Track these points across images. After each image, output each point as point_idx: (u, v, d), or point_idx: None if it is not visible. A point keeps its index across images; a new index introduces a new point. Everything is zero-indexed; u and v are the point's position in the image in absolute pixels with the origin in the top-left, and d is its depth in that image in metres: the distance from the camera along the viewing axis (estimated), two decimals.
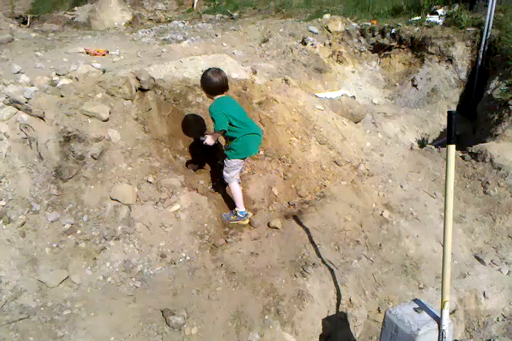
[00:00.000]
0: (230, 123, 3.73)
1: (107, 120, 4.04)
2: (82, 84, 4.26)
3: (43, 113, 3.79)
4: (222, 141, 4.26)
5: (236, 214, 4.03)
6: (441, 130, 6.60)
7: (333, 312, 3.40)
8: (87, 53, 6.59)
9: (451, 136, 2.33)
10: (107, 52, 6.77)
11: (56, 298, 3.08)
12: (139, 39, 8.19)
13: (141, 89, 4.52)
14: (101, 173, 3.76)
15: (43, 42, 7.66)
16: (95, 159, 3.80)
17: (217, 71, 3.74)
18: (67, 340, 2.81)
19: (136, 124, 4.26)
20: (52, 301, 3.05)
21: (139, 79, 4.50)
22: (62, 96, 4.05)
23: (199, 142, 3.98)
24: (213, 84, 3.71)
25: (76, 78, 4.55)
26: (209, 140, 3.81)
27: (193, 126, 4.59)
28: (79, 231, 3.48)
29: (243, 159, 3.95)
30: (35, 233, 3.35)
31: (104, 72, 5.14)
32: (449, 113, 2.35)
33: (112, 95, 4.28)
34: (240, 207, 4.02)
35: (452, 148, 2.32)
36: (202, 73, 3.84)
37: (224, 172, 3.97)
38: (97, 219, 3.56)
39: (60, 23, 10.39)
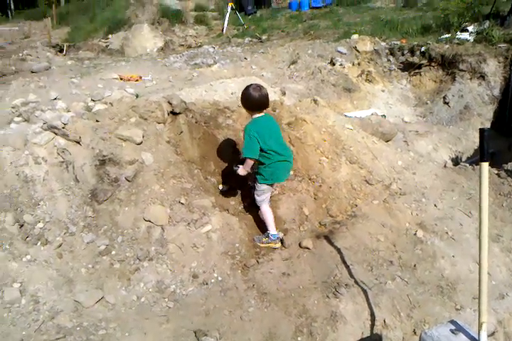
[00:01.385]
0: (261, 149, 3.70)
1: (140, 143, 4.15)
2: (116, 109, 4.41)
3: (79, 137, 3.94)
4: None
5: (268, 237, 4.03)
6: (475, 147, 6.48)
7: (367, 334, 3.32)
8: (121, 79, 6.83)
9: (483, 153, 2.30)
10: (140, 77, 7.00)
11: (91, 318, 3.14)
12: (171, 64, 8.44)
13: (173, 113, 4.64)
14: (134, 195, 3.85)
15: (79, 69, 7.99)
16: (129, 181, 3.90)
17: (259, 87, 3.69)
18: None
19: (169, 147, 4.36)
20: (87, 321, 3.11)
21: (170, 103, 4.63)
22: (97, 121, 4.20)
23: (232, 170, 4.01)
24: (253, 99, 3.68)
25: (110, 103, 4.72)
26: (241, 171, 3.84)
27: (223, 147, 4.66)
28: (114, 252, 3.55)
29: (271, 184, 3.96)
30: (71, 254, 3.45)
31: (137, 96, 5.33)
32: (481, 130, 2.33)
33: (145, 119, 4.40)
34: (272, 230, 4.01)
35: (485, 165, 2.29)
36: (243, 90, 3.78)
37: (256, 196, 3.99)
38: (131, 240, 3.63)
39: (94, 51, 10.82)
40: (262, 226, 4.19)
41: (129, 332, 3.06)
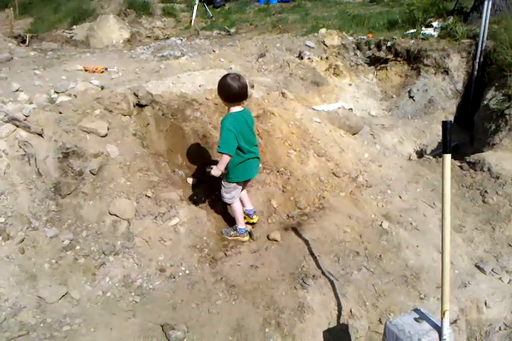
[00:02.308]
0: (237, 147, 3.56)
1: (105, 136, 4.08)
2: (81, 101, 4.31)
3: (42, 130, 3.83)
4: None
5: (236, 230, 4.02)
6: (439, 140, 6.61)
7: (334, 324, 3.37)
8: (86, 71, 6.66)
9: (446, 145, 2.35)
10: (106, 69, 6.84)
11: (55, 314, 3.07)
12: (137, 56, 8.28)
13: (139, 105, 4.57)
14: (99, 188, 3.78)
15: (42, 60, 7.75)
16: (94, 174, 3.82)
17: (238, 76, 3.48)
18: None
19: (135, 139, 4.30)
20: (51, 317, 3.04)
21: (136, 95, 4.56)
22: (60, 113, 4.09)
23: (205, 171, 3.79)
24: (232, 90, 3.43)
25: (74, 95, 4.60)
26: (214, 171, 3.60)
27: (191, 140, 4.62)
28: (78, 247, 3.48)
29: (242, 182, 3.88)
30: (34, 249, 3.35)
31: (102, 88, 5.21)
32: (444, 123, 2.37)
33: (110, 111, 4.32)
34: (240, 225, 4.00)
35: (448, 157, 2.33)
36: (220, 79, 3.53)
37: (223, 193, 3.86)
38: (96, 235, 3.56)
39: (58, 42, 10.50)
40: (230, 218, 4.19)
41: (95, 327, 3.01)
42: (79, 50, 9.57)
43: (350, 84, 7.90)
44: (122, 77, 6.43)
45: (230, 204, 3.99)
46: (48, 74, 6.29)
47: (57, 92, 5.00)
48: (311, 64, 7.78)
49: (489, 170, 4.71)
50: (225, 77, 3.51)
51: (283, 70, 7.38)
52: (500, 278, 3.86)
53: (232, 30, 10.84)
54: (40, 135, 3.83)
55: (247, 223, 4.14)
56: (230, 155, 3.52)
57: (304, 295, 3.43)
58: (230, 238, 4.02)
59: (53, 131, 3.87)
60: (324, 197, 4.48)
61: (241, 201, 4.03)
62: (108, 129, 4.13)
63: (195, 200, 4.29)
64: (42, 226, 3.47)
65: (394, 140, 6.39)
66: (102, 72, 6.73)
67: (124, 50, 9.28)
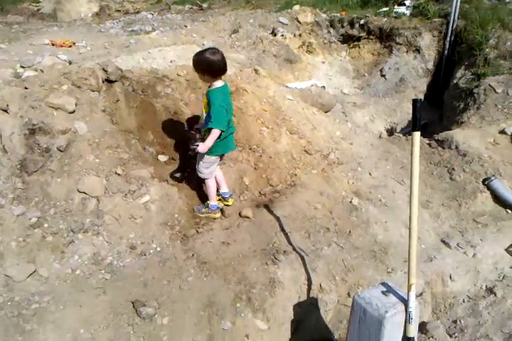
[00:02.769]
0: None
1: (73, 112, 3.97)
2: (47, 76, 4.17)
3: (7, 105, 3.70)
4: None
5: (208, 207, 4.01)
6: (409, 118, 6.71)
7: (304, 298, 3.44)
8: (53, 45, 6.45)
9: (416, 123, 2.38)
10: (74, 43, 6.63)
11: (23, 292, 3.03)
12: (107, 30, 8.05)
13: (108, 81, 4.45)
14: (67, 166, 3.70)
15: (7, 34, 7.47)
16: (61, 151, 3.74)
17: (216, 50, 3.44)
18: (35, 334, 2.78)
19: (104, 116, 4.20)
20: (19, 295, 3.00)
21: (105, 71, 4.43)
22: (26, 88, 3.96)
23: (187, 149, 3.76)
24: (215, 63, 3.38)
25: (41, 70, 4.45)
26: (202, 147, 3.48)
27: (162, 117, 4.55)
28: (46, 225, 3.41)
29: (220, 155, 3.86)
30: (0, 227, 3.28)
31: (70, 63, 5.05)
32: (414, 101, 2.40)
33: (78, 87, 4.20)
34: (212, 201, 3.99)
35: (417, 135, 2.36)
36: (198, 56, 3.43)
37: (202, 169, 3.79)
38: (64, 212, 3.50)
39: (24, 15, 10.12)
40: (201, 195, 4.18)
41: (64, 305, 2.98)
42: (46, 24, 9.25)
43: (323, 62, 7.87)
44: (91, 51, 6.24)
45: (205, 181, 3.95)
46: (14, 49, 6.06)
47: (23, 67, 4.83)
48: (285, 41, 7.72)
49: (457, 147, 4.81)
50: (202, 52, 3.44)
51: (256, 47, 7.30)
52: (464, 253, 3.99)
53: (205, 5, 10.62)
54: (5, 111, 3.70)
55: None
56: (222, 131, 3.52)
57: (274, 271, 3.48)
58: (202, 215, 4.01)
59: (19, 106, 3.74)
60: (296, 175, 4.51)
61: (217, 183, 4.03)
62: (76, 105, 4.02)
63: (166, 178, 4.25)
64: (8, 204, 3.38)
65: (365, 118, 6.44)
66: (70, 46, 6.52)
67: (93, 24, 9.01)
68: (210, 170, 3.84)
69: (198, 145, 3.50)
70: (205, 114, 3.64)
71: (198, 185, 4.23)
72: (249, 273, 3.44)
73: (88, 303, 3.04)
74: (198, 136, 3.91)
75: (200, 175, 3.87)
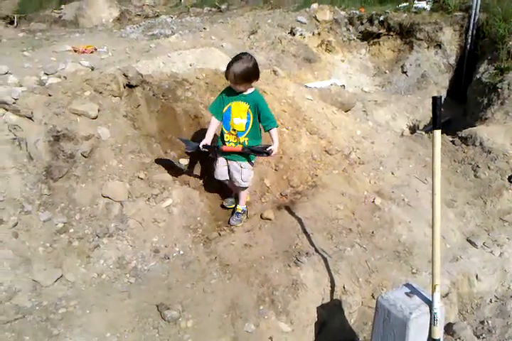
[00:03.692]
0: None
1: (95, 118, 4.05)
2: (70, 83, 4.26)
3: (31, 113, 3.80)
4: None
5: (245, 212, 4.07)
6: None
7: (327, 300, 3.42)
8: (75, 51, 6.56)
9: (436, 121, 2.35)
10: (95, 49, 6.74)
11: (51, 297, 3.10)
12: (127, 35, 8.16)
13: (129, 86, 4.52)
14: (91, 171, 3.77)
15: (31, 41, 7.63)
16: (85, 157, 3.81)
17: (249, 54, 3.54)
18: (63, 338, 2.83)
19: (126, 121, 4.27)
20: (47, 300, 3.07)
21: (126, 76, 4.51)
22: (50, 95, 4.05)
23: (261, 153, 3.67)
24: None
25: (64, 77, 4.54)
26: (276, 148, 3.62)
27: (183, 120, 4.59)
28: (72, 230, 3.49)
29: None
30: (28, 233, 3.36)
31: (92, 69, 5.13)
32: (434, 98, 2.36)
33: (100, 93, 4.28)
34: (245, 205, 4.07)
35: (438, 133, 2.33)
36: (248, 62, 3.45)
37: (247, 177, 3.78)
38: (89, 217, 3.57)
39: (47, 22, 10.31)
40: (223, 197, 4.21)
41: (90, 309, 3.04)
42: (68, 30, 9.42)
43: (342, 60, 7.83)
44: (112, 57, 6.34)
45: (245, 189, 3.95)
46: (37, 56, 6.20)
47: (47, 74, 4.93)
48: (303, 40, 7.70)
49: (481, 144, 4.73)
50: (250, 59, 3.48)
51: (275, 47, 7.30)
52: (491, 252, 3.92)
53: (223, 6, 10.65)
54: (30, 118, 3.80)
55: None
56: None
57: (297, 273, 3.47)
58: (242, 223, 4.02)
59: (43, 113, 3.83)
60: (317, 175, 4.50)
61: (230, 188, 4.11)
62: (98, 111, 4.09)
63: (188, 181, 4.29)
64: (35, 210, 3.46)
65: (387, 116, 6.38)
66: (92, 52, 6.63)
67: (114, 30, 9.14)
68: (251, 178, 3.90)
69: (272, 149, 3.58)
70: (244, 120, 3.62)
71: (218, 188, 4.25)
72: (271, 275, 3.44)
73: (114, 307, 3.09)
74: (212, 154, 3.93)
75: (244, 184, 3.84)
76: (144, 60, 5.13)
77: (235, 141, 3.71)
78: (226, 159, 3.78)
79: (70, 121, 3.89)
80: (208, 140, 3.72)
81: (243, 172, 3.77)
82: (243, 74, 3.42)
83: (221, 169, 3.83)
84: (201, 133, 4.48)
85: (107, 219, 3.60)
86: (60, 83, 4.30)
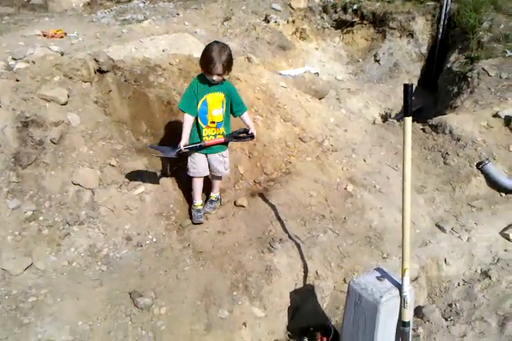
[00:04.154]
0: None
1: (65, 103, 3.96)
2: (39, 68, 4.15)
3: None
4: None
5: (220, 199, 4.07)
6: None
7: (300, 285, 3.47)
8: (44, 36, 6.37)
9: (407, 108, 2.37)
10: (65, 34, 6.56)
11: (21, 286, 3.04)
12: (98, 20, 7.96)
13: (100, 71, 4.43)
14: (61, 158, 3.69)
15: None
16: (55, 144, 3.73)
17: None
18: (33, 327, 2.79)
19: (96, 107, 4.19)
20: (16, 289, 3.01)
21: (97, 61, 4.41)
22: (17, 80, 3.93)
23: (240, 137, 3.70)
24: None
25: (33, 62, 4.42)
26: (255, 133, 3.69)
27: (156, 107, 4.53)
28: (41, 218, 3.42)
29: None
30: None
31: (62, 54, 5.00)
32: (405, 85, 2.39)
33: (70, 78, 4.19)
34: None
35: (409, 120, 2.36)
36: (227, 50, 3.36)
37: (226, 168, 3.80)
38: (59, 205, 3.51)
39: (15, 6, 9.95)
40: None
41: (61, 297, 3.00)
42: (37, 15, 9.12)
43: (316, 48, 7.82)
44: (83, 42, 6.18)
45: (223, 177, 3.95)
46: (5, 40, 5.99)
47: (15, 59, 4.78)
48: (278, 28, 7.65)
49: (450, 132, 4.81)
50: (227, 45, 3.41)
51: (249, 34, 7.24)
52: (459, 237, 4.02)
53: None
54: None
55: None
56: None
57: (271, 259, 3.50)
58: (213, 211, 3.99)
59: (11, 99, 3.73)
60: (291, 162, 4.51)
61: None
62: (68, 97, 4.01)
63: (160, 169, 4.24)
64: (3, 198, 3.38)
65: (359, 104, 6.43)
66: (62, 37, 6.45)
67: (85, 14, 8.90)
68: None
69: (252, 132, 3.61)
70: (221, 110, 3.55)
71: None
72: (245, 262, 3.46)
73: (85, 295, 3.05)
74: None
75: (226, 172, 3.85)
76: (116, 45, 5.02)
77: (215, 133, 3.62)
78: (205, 154, 3.68)
79: (38, 106, 3.79)
80: (186, 140, 3.52)
81: (225, 161, 3.76)
82: (229, 64, 3.37)
83: (203, 165, 3.71)
84: (174, 120, 4.45)
85: (77, 206, 3.55)
86: (29, 68, 4.18)
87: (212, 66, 3.27)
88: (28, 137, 3.67)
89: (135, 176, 3.87)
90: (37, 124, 3.72)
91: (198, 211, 3.81)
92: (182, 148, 3.47)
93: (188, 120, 3.50)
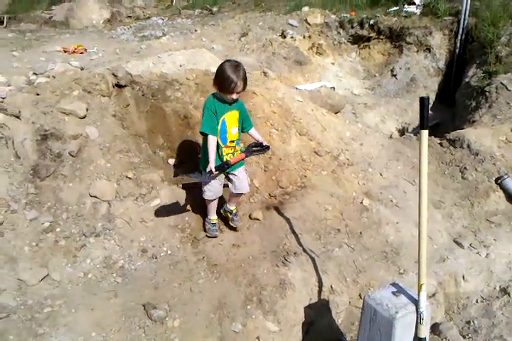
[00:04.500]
0: None
1: (84, 117, 4.03)
2: (58, 82, 4.25)
3: (19, 111, 3.77)
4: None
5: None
6: None
7: (315, 299, 3.42)
8: (65, 52, 6.56)
9: (423, 121, 2.36)
10: (85, 50, 6.74)
11: (36, 296, 3.06)
12: (118, 36, 8.16)
13: (119, 86, 4.51)
14: (79, 170, 3.75)
15: (20, 42, 7.61)
16: (73, 156, 3.79)
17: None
18: (48, 337, 2.80)
19: (114, 121, 4.26)
20: (32, 299, 3.03)
21: (115, 76, 4.50)
22: (38, 94, 4.04)
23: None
24: None
25: (53, 76, 4.53)
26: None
27: (172, 121, 4.58)
28: (58, 229, 3.46)
29: None
30: (13, 232, 3.32)
31: (82, 69, 5.13)
32: (421, 99, 2.38)
33: (89, 92, 4.27)
34: None
35: (425, 133, 2.34)
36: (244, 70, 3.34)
37: (248, 182, 3.75)
38: (76, 217, 3.55)
39: (37, 23, 10.27)
40: None
41: (76, 308, 3.01)
42: (58, 31, 9.40)
43: (333, 63, 7.87)
44: (102, 58, 6.34)
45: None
46: (27, 56, 6.18)
47: (36, 74, 4.92)
48: (294, 43, 7.74)
49: (468, 146, 4.76)
50: (240, 63, 3.38)
51: (266, 49, 7.33)
52: (477, 253, 3.95)
53: (215, 8, 10.68)
54: (18, 117, 3.77)
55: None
56: None
57: (285, 273, 3.47)
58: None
59: (31, 112, 3.81)
60: (306, 176, 4.50)
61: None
62: (87, 110, 4.09)
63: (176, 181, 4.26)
64: (21, 209, 3.43)
65: (376, 119, 6.41)
66: (82, 53, 6.63)
67: (105, 31, 9.15)
68: None
69: (267, 146, 3.60)
70: (237, 128, 3.52)
71: None
72: (259, 275, 3.44)
73: (100, 306, 3.06)
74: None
75: (248, 189, 3.74)
76: (134, 60, 5.13)
77: (233, 151, 3.55)
78: (227, 173, 3.61)
79: (57, 120, 3.87)
80: (214, 161, 3.35)
81: (247, 176, 3.73)
82: (246, 80, 3.34)
83: (219, 188, 3.64)
84: (189, 134, 4.49)
85: (94, 218, 3.58)
86: (49, 82, 4.29)
87: (234, 85, 3.21)
88: (46, 150, 3.73)
89: (151, 188, 3.89)
90: (56, 137, 3.80)
91: (214, 225, 3.80)
92: (213, 170, 3.33)
93: (213, 141, 3.35)
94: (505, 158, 4.64)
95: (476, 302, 3.68)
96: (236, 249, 3.69)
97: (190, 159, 4.45)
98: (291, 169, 4.53)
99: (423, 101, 2.37)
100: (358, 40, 8.10)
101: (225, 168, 3.42)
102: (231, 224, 3.87)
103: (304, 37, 8.00)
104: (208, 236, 3.80)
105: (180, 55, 5.33)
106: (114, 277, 3.32)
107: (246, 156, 3.56)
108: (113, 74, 4.50)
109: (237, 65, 3.29)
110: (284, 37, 7.80)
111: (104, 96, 4.35)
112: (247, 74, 3.36)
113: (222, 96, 3.34)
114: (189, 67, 5.03)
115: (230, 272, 3.46)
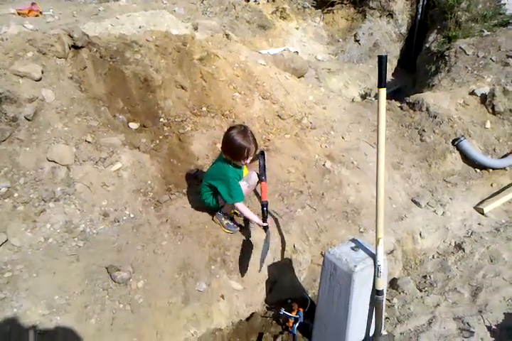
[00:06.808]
0: None
1: (39, 79, 3.87)
2: (11, 43, 4.04)
3: None
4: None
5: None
6: None
7: (278, 258, 3.50)
8: (19, 14, 6.22)
9: (382, 79, 2.36)
10: (41, 12, 6.40)
11: None
12: None
13: (75, 47, 4.33)
14: (36, 135, 3.63)
15: None
16: (29, 120, 3.66)
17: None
18: (9, 301, 2.77)
19: (71, 83, 4.10)
20: None
21: (71, 37, 4.31)
22: None
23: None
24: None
25: (6, 39, 4.31)
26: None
27: (132, 83, 4.46)
28: (16, 195, 3.37)
29: None
30: None
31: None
32: (379, 57, 2.36)
33: (44, 54, 4.09)
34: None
35: (383, 91, 2.36)
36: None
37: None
38: (34, 182, 3.45)
39: None
40: (173, 162, 4.15)
41: (37, 272, 2.98)
42: None
43: (297, 28, 7.77)
44: (59, 20, 6.03)
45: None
46: None
47: None
48: (258, 7, 7.57)
49: (427, 109, 4.85)
50: (245, 126, 3.38)
51: (229, 13, 7.15)
52: (434, 211, 4.10)
53: None
54: None
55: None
56: None
57: (249, 233, 3.52)
58: (219, 223, 3.74)
59: None
60: (269, 140, 4.51)
61: None
62: (42, 73, 3.92)
63: (138, 145, 4.19)
64: None
65: (339, 84, 6.43)
66: (37, 15, 6.29)
67: None
68: None
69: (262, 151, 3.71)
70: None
71: (170, 151, 4.19)
72: (223, 236, 3.48)
73: (62, 270, 3.03)
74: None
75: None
76: (92, 22, 4.93)
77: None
78: None
79: (11, 82, 3.70)
80: (257, 217, 3.40)
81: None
82: (256, 141, 3.32)
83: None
84: (151, 97, 4.39)
85: (53, 183, 3.50)
86: (1, 44, 4.07)
87: (248, 152, 3.19)
88: (1, 113, 3.58)
89: (111, 152, 3.82)
90: (10, 100, 3.64)
91: (232, 219, 3.71)
92: (265, 222, 3.37)
93: (244, 205, 3.42)
94: (462, 120, 4.76)
95: (433, 257, 3.84)
96: (200, 212, 3.70)
97: (152, 123, 4.38)
98: (255, 133, 4.45)
99: (381, 60, 2.36)
100: (322, 4, 8.00)
101: (265, 209, 3.42)
102: None
103: (268, 0, 7.84)
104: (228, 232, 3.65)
105: (140, 17, 5.14)
106: (76, 241, 3.28)
107: (263, 180, 3.58)
108: (69, 35, 4.31)
109: (244, 130, 3.24)
110: (248, 0, 7.62)
111: (60, 58, 4.17)
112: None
113: (237, 163, 3.31)
114: (149, 29, 4.87)
115: (194, 234, 3.47)
